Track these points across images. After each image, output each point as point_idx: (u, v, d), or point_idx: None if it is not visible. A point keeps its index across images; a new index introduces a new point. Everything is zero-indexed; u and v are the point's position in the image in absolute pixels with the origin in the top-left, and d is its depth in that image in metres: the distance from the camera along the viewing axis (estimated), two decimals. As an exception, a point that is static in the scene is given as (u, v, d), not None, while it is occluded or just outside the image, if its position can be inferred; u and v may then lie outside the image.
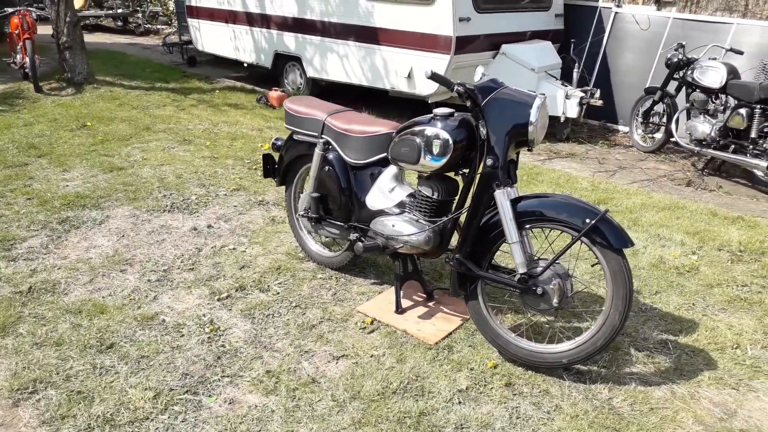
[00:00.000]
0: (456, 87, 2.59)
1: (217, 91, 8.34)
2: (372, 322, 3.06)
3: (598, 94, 6.37)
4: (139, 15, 13.82)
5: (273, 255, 3.72)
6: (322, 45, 7.33)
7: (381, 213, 3.07)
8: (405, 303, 3.22)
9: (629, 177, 5.59)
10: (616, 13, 7.18)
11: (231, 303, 3.20)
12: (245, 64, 8.62)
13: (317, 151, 3.25)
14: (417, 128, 2.77)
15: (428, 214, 2.90)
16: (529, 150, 2.69)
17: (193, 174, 5.04)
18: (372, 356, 2.79)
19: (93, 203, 4.36)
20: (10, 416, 2.32)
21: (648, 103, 6.23)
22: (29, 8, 8.03)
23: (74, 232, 3.93)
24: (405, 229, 2.91)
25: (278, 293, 3.31)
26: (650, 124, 6.30)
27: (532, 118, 2.52)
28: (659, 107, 6.14)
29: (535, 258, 2.67)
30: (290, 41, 7.70)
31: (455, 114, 2.76)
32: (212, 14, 8.69)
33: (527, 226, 2.62)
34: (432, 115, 2.77)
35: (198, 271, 3.51)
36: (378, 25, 6.66)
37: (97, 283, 3.33)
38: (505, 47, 6.56)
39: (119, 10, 13.75)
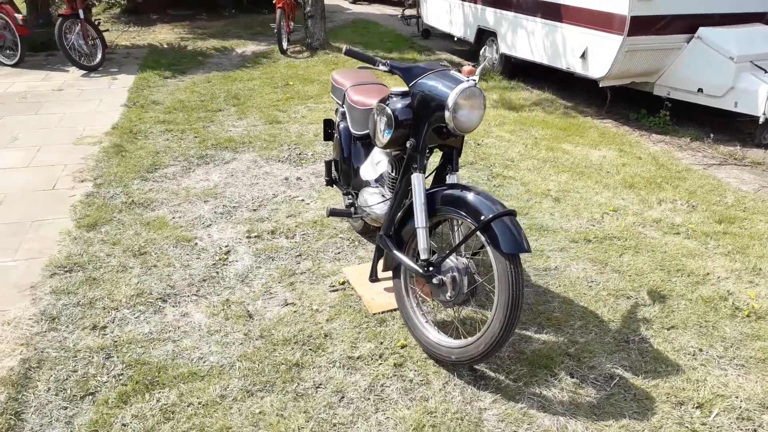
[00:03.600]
0: (380, 66, 2.61)
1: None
2: (343, 283, 3.27)
3: (813, 93, 5.08)
4: (409, -12, 14.88)
5: (323, 211, 4.09)
6: (514, 21, 7.19)
7: (367, 183, 3.21)
8: (385, 274, 3.32)
9: (808, 199, 4.45)
10: None
11: (255, 242, 3.70)
12: (455, 38, 8.86)
13: (337, 120, 3.50)
14: (379, 104, 2.85)
15: (391, 190, 2.96)
16: (454, 137, 2.58)
17: (329, 133, 5.61)
18: (312, 310, 3.03)
19: (234, 147, 5.26)
20: (40, 282, 3.21)
21: None
22: (284, -18, 9.44)
23: (203, 167, 4.85)
24: (370, 200, 3.03)
25: (296, 242, 3.70)
26: None
27: (449, 102, 2.42)
28: None
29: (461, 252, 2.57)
30: (490, 16, 7.69)
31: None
32: (436, -12, 9.09)
33: (439, 214, 2.54)
34: (390, 93, 2.82)
35: (256, 213, 4.09)
36: (562, 1, 6.29)
37: (179, 207, 4.14)
38: (702, 31, 5.62)
39: (393, -16, 15.02)
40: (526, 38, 7.00)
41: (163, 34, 11.19)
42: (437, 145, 2.67)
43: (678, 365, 2.64)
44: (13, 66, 8.15)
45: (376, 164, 3.21)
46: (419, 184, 2.55)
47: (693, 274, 3.36)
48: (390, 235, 2.75)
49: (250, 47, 9.99)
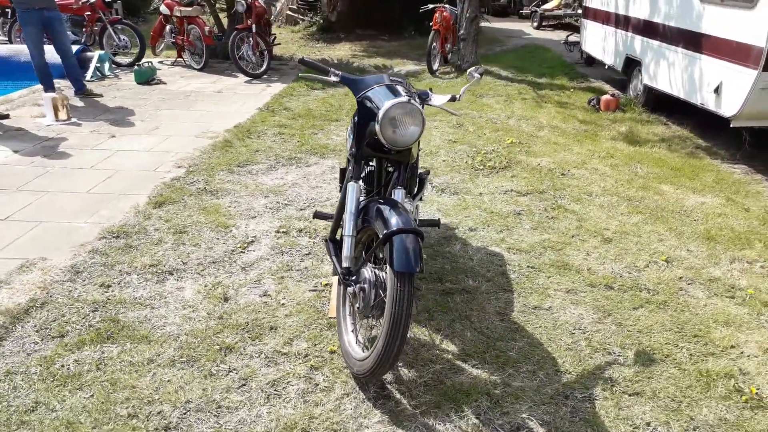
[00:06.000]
0: (332, 76, 2.66)
1: (572, 90, 8.37)
2: (326, 285, 3.35)
3: None
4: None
5: (358, 218, 4.20)
6: (658, 50, 6.58)
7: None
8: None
9: None
10: None
11: (280, 237, 3.94)
12: (606, 66, 8.31)
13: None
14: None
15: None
16: (398, 152, 2.55)
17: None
18: (279, 303, 3.17)
19: (323, 153, 5.59)
20: (89, 242, 3.77)
21: None
22: (445, 5, 9.65)
23: (286, 168, 5.24)
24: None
25: (314, 242, 3.86)
26: None
27: (379, 115, 2.43)
28: None
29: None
30: (637, 45, 7.12)
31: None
32: (595, 14, 8.63)
33: (366, 225, 2.53)
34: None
35: (301, 212, 4.33)
36: (703, 30, 5.63)
37: (240, 198, 4.54)
38: None
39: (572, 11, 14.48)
40: (667, 69, 6.36)
41: (341, 51, 12.12)
42: (387, 158, 2.67)
43: (607, 434, 2.29)
44: (198, 70, 9.49)
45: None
46: (351, 192, 2.57)
47: (711, 344, 2.84)
48: (335, 240, 2.79)
49: (408, 66, 10.40)
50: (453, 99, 2.85)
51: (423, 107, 2.70)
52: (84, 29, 9.87)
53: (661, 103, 6.95)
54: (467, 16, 9.25)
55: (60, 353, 2.73)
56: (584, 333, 2.92)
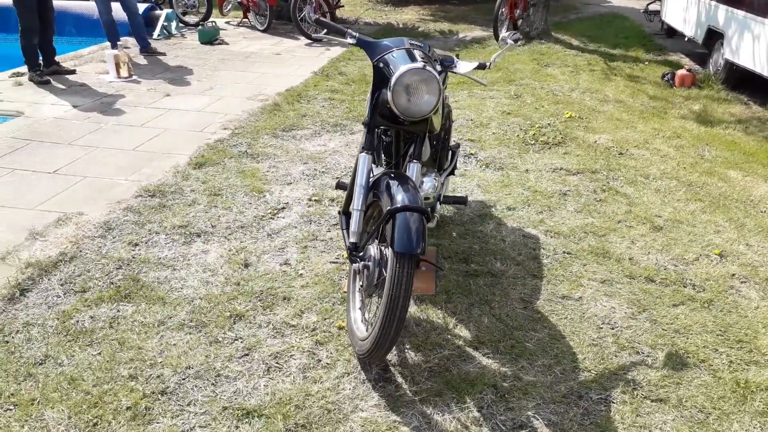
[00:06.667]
0: (348, 38, 2.52)
1: (646, 63, 7.83)
2: (346, 258, 3.26)
3: None
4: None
5: (394, 190, 4.07)
6: (743, 22, 6.00)
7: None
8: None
9: None
10: None
11: (311, 205, 3.87)
12: (685, 38, 7.70)
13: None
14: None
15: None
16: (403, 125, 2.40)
17: (468, 120, 5.46)
18: (297, 273, 3.11)
19: (370, 120, 5.45)
20: (125, 199, 3.82)
21: None
22: (515, -31, 9.17)
23: (330, 134, 5.15)
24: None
25: (344, 213, 3.77)
26: None
27: (391, 82, 2.28)
28: None
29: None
30: (721, 15, 6.53)
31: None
32: (679, -20, 7.98)
33: (374, 199, 2.41)
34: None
35: (337, 181, 4.23)
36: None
37: (279, 163, 4.49)
38: None
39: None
40: (751, 43, 5.80)
41: (407, 15, 11.83)
42: (402, 129, 2.53)
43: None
44: (262, 31, 9.49)
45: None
46: (362, 164, 2.45)
47: (757, 351, 2.57)
48: (348, 213, 2.68)
49: (474, 32, 10.02)
50: (482, 67, 2.65)
51: (445, 75, 2.54)
52: (155, -13, 10.04)
53: (744, 81, 6.38)
54: (537, -19, 8.76)
55: (78, 308, 2.78)
56: (613, 328, 2.70)
